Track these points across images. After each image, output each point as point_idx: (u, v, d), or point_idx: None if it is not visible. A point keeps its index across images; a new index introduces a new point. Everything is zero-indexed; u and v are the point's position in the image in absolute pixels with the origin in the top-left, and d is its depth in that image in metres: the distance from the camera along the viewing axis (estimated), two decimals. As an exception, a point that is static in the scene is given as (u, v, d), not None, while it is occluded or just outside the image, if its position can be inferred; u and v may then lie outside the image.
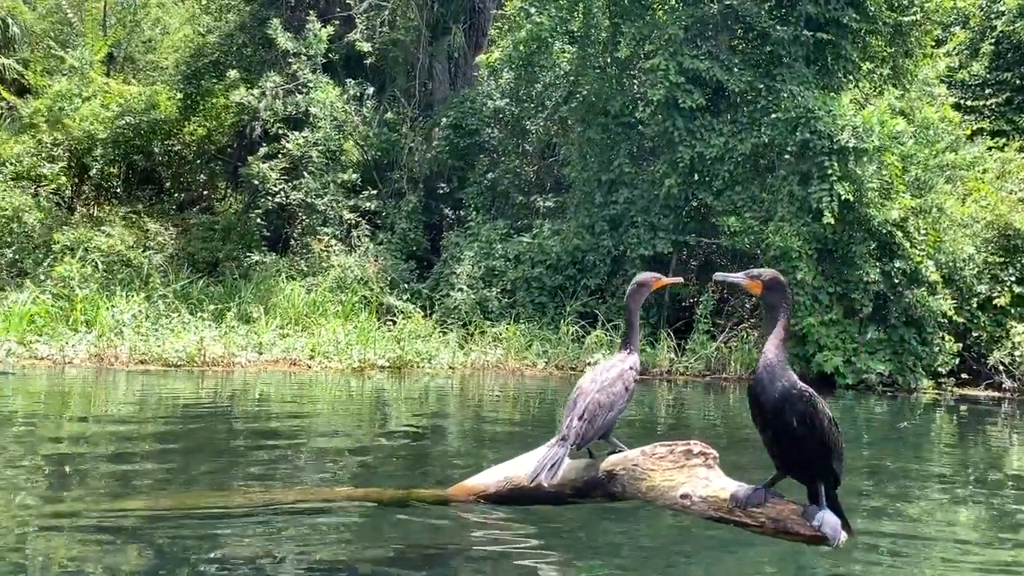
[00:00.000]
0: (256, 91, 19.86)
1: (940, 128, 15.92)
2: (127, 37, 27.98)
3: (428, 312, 17.20)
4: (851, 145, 14.67)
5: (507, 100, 20.41)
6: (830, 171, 14.66)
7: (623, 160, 17.20)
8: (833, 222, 14.48)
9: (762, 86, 16.04)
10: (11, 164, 19.97)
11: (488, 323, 16.24)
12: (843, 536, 3.18)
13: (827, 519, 3.12)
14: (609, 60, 17.57)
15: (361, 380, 12.03)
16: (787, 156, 15.59)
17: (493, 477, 4.30)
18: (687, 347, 15.73)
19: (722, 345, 15.57)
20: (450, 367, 13.62)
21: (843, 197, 14.42)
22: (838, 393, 14.43)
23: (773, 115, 15.58)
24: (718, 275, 4.06)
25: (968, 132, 18.55)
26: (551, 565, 4.15)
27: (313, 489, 4.80)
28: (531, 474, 3.92)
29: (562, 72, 18.91)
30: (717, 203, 16.15)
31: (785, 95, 15.54)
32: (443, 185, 21.09)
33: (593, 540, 4.57)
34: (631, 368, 4.25)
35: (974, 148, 17.95)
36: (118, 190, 22.28)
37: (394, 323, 15.11)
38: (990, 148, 18.86)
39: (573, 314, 16.47)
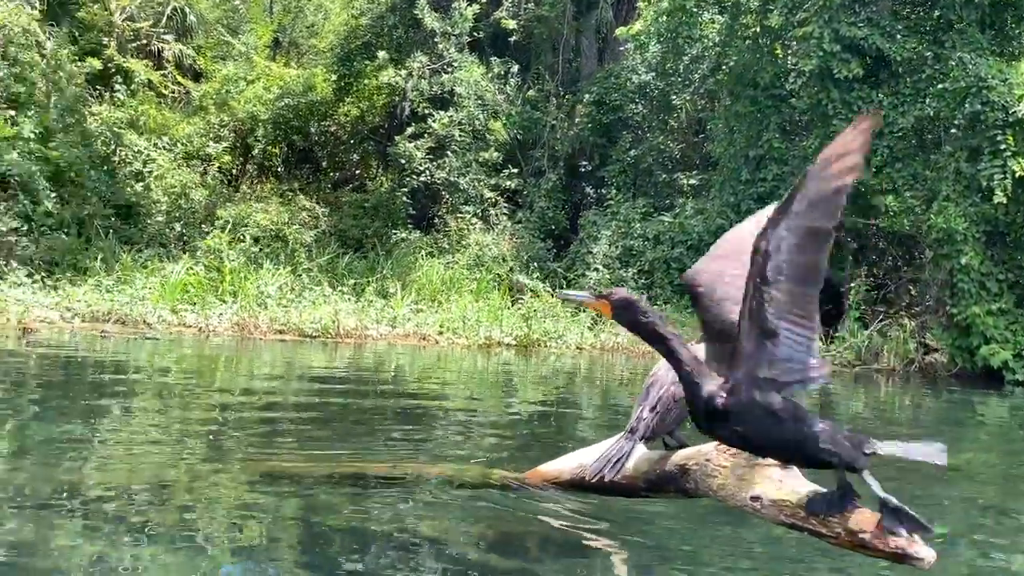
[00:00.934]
0: (403, 71, 20.28)
1: None
2: (291, 23, 29.41)
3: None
4: (1030, 117, 13.23)
5: (653, 74, 19.85)
6: (1003, 146, 13.31)
7: (773, 135, 16.34)
8: (1006, 201, 13.15)
9: (929, 54, 14.75)
10: (183, 144, 21.39)
11: None
12: (929, 555, 2.76)
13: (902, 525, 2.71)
14: (759, 29, 16.68)
15: (487, 357, 12.08)
16: (954, 130, 14.28)
17: (568, 464, 4.12)
18: (835, 335, 14.79)
19: (875, 333, 14.52)
20: (577, 347, 13.44)
21: (1018, 174, 13.04)
22: (1006, 390, 13.16)
23: (940, 85, 14.28)
24: (559, 293, 3.53)
25: None
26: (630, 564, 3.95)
27: (395, 463, 4.78)
28: (594, 469, 3.71)
29: (710, 44, 18.15)
30: (875, 181, 15.04)
31: (954, 63, 14.19)
32: (585, 163, 20.82)
33: (670, 539, 4.29)
34: None
35: None
36: (279, 169, 23.41)
37: (529, 303, 15.06)
38: None
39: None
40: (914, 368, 14.30)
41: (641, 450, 3.74)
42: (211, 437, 5.51)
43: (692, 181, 18.69)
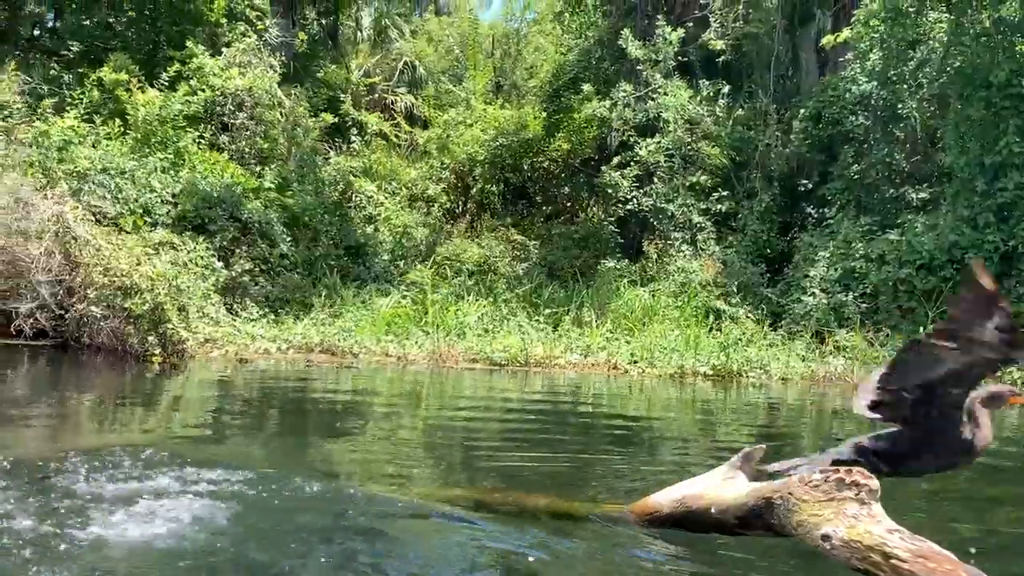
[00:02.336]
0: (607, 102, 20.42)
1: None
2: (512, 65, 30.74)
3: (778, 319, 16.19)
4: None
5: (875, 83, 18.46)
6: None
7: (1012, 139, 14.57)
8: None
9: None
10: (407, 187, 22.93)
11: (846, 332, 14.79)
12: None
13: None
14: (991, 24, 15.03)
15: (679, 387, 11.69)
16: None
17: (669, 496, 3.88)
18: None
19: None
20: (782, 379, 12.62)
21: None
22: None
23: None
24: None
25: None
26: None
27: (508, 492, 4.75)
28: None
29: (937, 45, 16.60)
30: None
31: None
32: (804, 182, 19.70)
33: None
34: None
35: None
36: (496, 205, 24.35)
37: (727, 330, 14.41)
38: None
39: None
40: None
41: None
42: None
43: (922, 195, 17.08)
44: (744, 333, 14.41)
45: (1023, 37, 14.82)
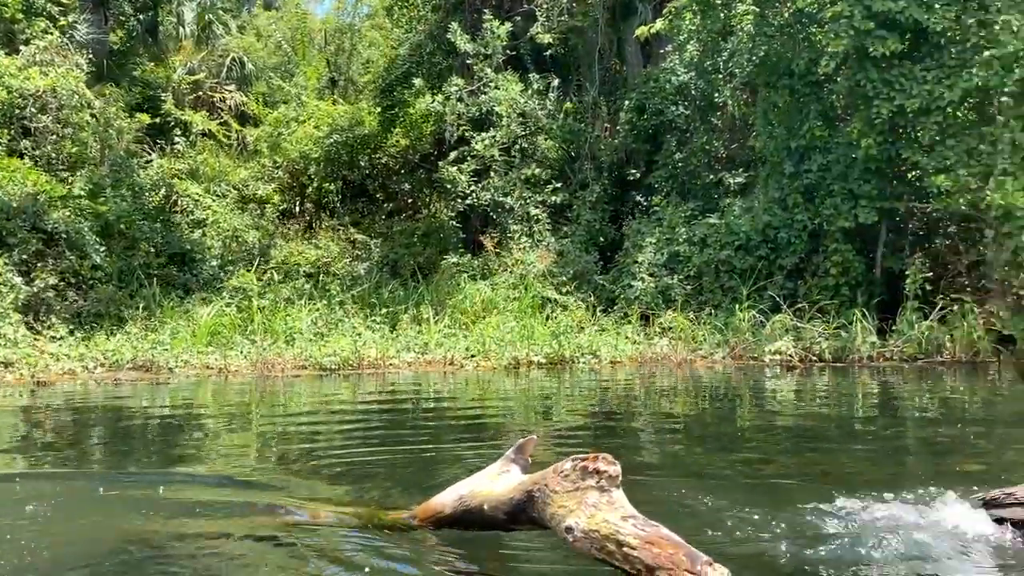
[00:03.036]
0: (440, 96, 20.34)
1: None
2: (347, 61, 30.13)
3: (611, 304, 16.66)
4: (1087, 76, 12.16)
5: (692, 74, 19.28)
6: (1060, 110, 12.25)
7: (814, 123, 15.56)
8: (1066, 171, 12.09)
9: (972, 21, 13.76)
10: (237, 189, 22.02)
11: (671, 313, 15.36)
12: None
13: None
14: (789, 14, 15.98)
15: (514, 377, 11.79)
16: (1006, 99, 13.24)
17: (450, 496, 3.82)
18: (893, 328, 13.87)
19: (934, 324, 13.53)
20: (611, 362, 12.98)
21: (1077, 139, 11.98)
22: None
23: (986, 53, 13.30)
24: None
25: None
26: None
27: (297, 504, 4.57)
28: None
29: (745, 36, 17.48)
30: (927, 161, 14.10)
31: (999, 27, 13.20)
32: (632, 171, 20.34)
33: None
34: None
35: None
36: (335, 204, 23.79)
37: (558, 318, 14.66)
38: None
39: (765, 297, 15.16)
40: (980, 358, 13.23)
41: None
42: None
43: (739, 179, 18.00)
44: (576, 320, 14.72)
45: (820, 27, 15.82)
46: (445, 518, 3.82)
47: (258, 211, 21.89)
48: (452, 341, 13.30)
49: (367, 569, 3.50)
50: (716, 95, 18.97)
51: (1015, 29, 12.96)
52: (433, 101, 20.32)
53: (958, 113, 14.17)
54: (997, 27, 13.26)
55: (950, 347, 13.36)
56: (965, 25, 13.86)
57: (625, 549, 2.60)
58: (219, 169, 22.50)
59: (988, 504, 3.80)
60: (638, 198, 20.07)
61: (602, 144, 20.57)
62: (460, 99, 20.30)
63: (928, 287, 14.25)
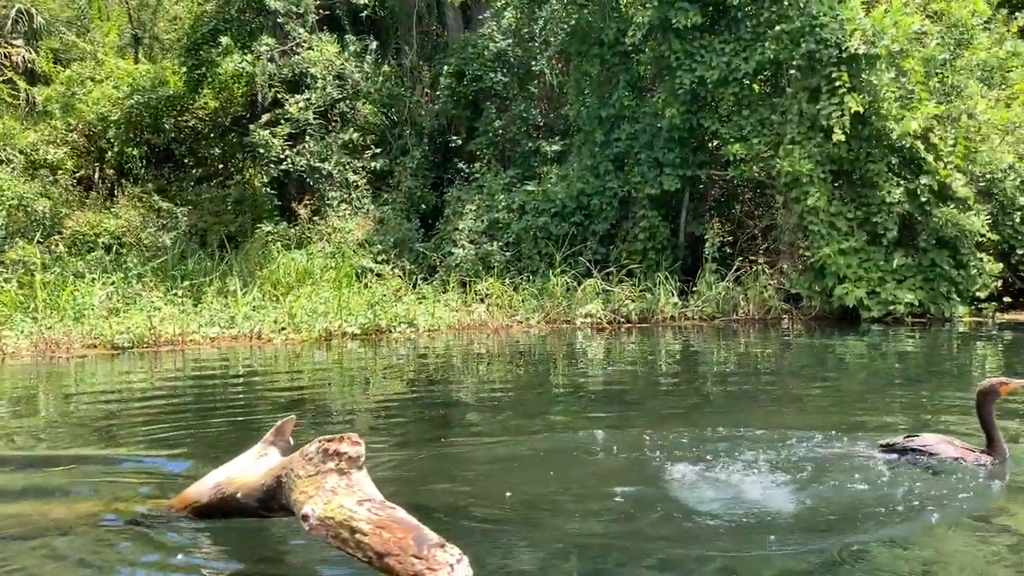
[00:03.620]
0: (250, 56, 19.36)
1: (970, 24, 14.09)
2: (152, 17, 28.04)
3: (433, 272, 16.56)
4: (861, 52, 13.13)
5: (509, 40, 19.33)
6: (839, 83, 13.19)
7: (623, 93, 16.00)
8: (844, 139, 13.05)
9: (765, -4, 14.52)
10: (25, 154, 20.12)
11: (491, 279, 15.44)
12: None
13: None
14: (599, -16, 16.29)
15: (326, 350, 11.48)
16: (794, 71, 14.12)
17: (207, 484, 3.59)
18: (693, 289, 14.61)
19: (730, 284, 14.36)
20: (429, 330, 12.92)
21: (853, 110, 12.94)
22: (863, 328, 13.13)
23: (777, 27, 14.09)
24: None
25: (1013, 29, 16.51)
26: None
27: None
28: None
29: (559, 4, 17.66)
30: (725, 130, 14.85)
31: (788, 3, 14.02)
32: (454, 138, 20.22)
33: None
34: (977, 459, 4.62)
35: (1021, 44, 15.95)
36: (139, 171, 22.23)
37: (374, 287, 14.39)
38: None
39: (580, 263, 15.54)
40: (772, 315, 14.20)
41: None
42: None
43: (555, 147, 18.27)
44: (393, 289, 14.52)
45: (626, -1, 16.22)
46: (203, 507, 3.58)
47: (50, 178, 20.11)
48: (261, 314, 12.75)
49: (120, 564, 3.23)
50: (533, 63, 19.13)
51: (802, 5, 13.78)
52: (242, 61, 19.29)
53: (754, 85, 14.96)
54: (786, 2, 14.05)
55: (744, 306, 14.23)
56: (759, 0, 14.60)
57: (358, 536, 2.48)
58: (3, 132, 20.46)
59: (886, 448, 4.83)
60: (460, 165, 19.97)
61: (423, 110, 20.31)
62: (272, 59, 19.41)
63: (729, 251, 15.09)
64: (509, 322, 13.64)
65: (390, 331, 12.73)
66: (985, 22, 15.29)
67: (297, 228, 18.37)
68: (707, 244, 14.84)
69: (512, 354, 11.06)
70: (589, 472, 4.60)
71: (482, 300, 14.30)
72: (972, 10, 14.19)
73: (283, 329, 12.34)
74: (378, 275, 15.09)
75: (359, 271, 15.21)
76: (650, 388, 8.15)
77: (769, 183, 14.82)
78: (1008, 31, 16.49)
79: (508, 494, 4.05)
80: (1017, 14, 17.41)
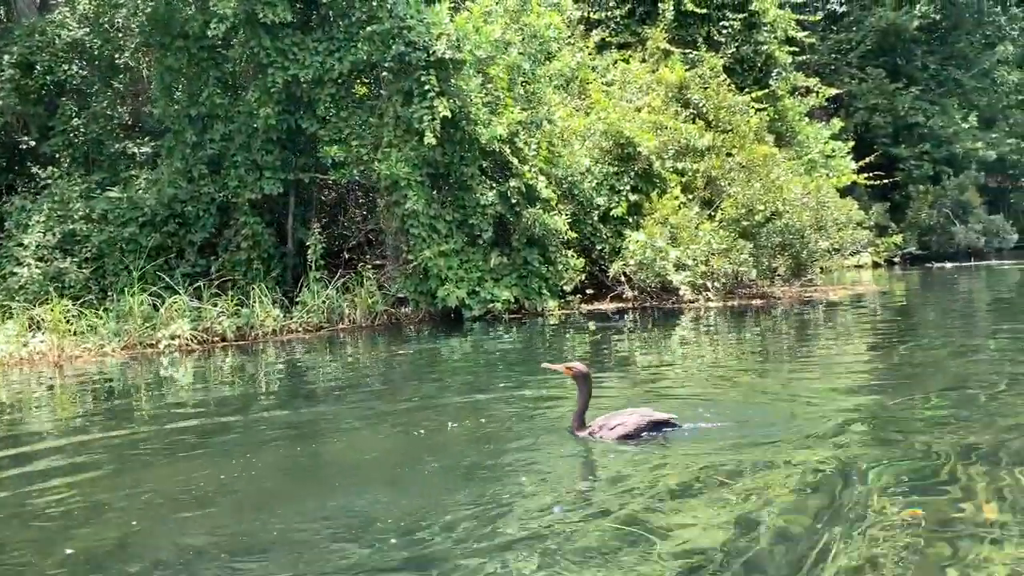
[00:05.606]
0: None
1: (547, 37, 15.00)
2: None
3: (-9, 296, 13.94)
4: (447, 56, 13.30)
5: (87, 29, 17.03)
6: (428, 87, 13.25)
7: (214, 90, 14.75)
8: (434, 142, 13.13)
9: (355, -5, 14.19)
10: None
11: (51, 304, 13.16)
12: None
13: None
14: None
15: None
16: (386, 73, 13.97)
17: None
18: (297, 299, 13.88)
19: (334, 292, 13.86)
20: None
21: (442, 114, 13.06)
22: (466, 327, 13.32)
23: (369, 28, 13.82)
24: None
25: (590, 44, 18.08)
26: None
27: None
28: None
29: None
30: (324, 132, 14.29)
31: (376, 3, 13.81)
32: (26, 138, 17.39)
33: None
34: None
35: (598, 59, 17.48)
36: None
37: None
38: (616, 61, 18.58)
39: (176, 277, 14.00)
40: (379, 321, 13.95)
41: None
42: None
43: (145, 149, 16.45)
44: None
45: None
46: None
47: None
48: None
49: None
50: (118, 56, 17.07)
51: (390, 6, 13.64)
52: None
53: (358, 86, 14.58)
54: (375, 3, 13.82)
55: (351, 313, 13.80)
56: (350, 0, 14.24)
57: None
58: None
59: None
60: (35, 170, 17.26)
61: (-21, 104, 17.18)
62: None
63: (347, 256, 14.57)
64: (79, 351, 11.77)
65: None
66: (568, 37, 16.46)
67: None
68: (309, 251, 14.18)
69: (63, 392, 9.42)
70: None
71: (41, 327, 12.20)
72: (548, 23, 15.09)
73: None
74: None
75: None
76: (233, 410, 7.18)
77: (373, 187, 14.55)
78: (586, 46, 17.98)
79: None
80: (594, 31, 19.12)
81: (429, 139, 13.03)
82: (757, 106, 17.53)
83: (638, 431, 5.17)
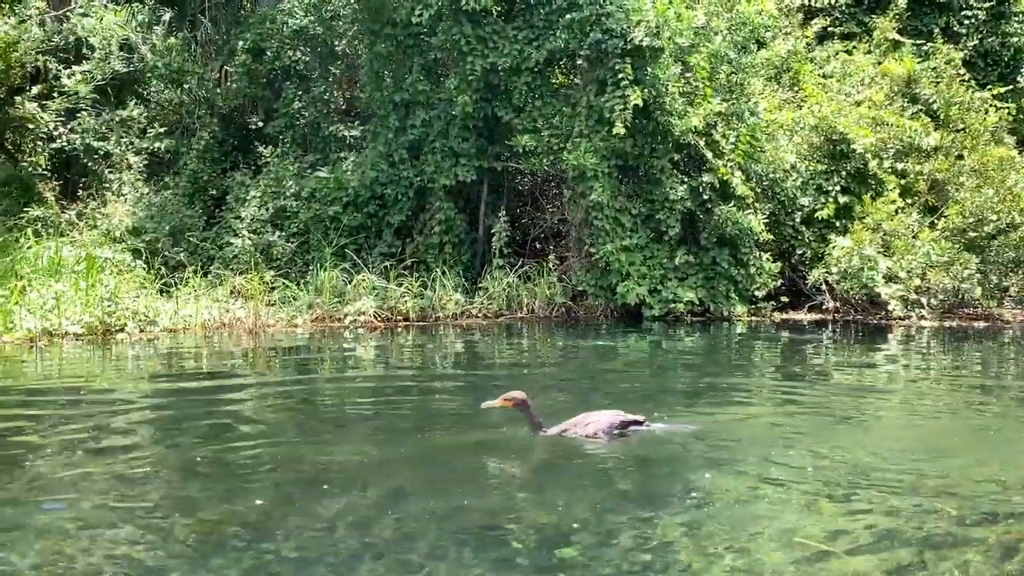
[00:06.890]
0: (14, 19, 17.34)
1: (757, 24, 14.05)
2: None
3: (210, 263, 15.20)
4: (645, 43, 12.80)
5: (310, 18, 18.09)
6: (621, 76, 12.82)
7: (417, 77, 15.14)
8: (624, 133, 12.70)
9: (559, -18, 14.00)
10: None
11: (254, 274, 14.09)
12: None
13: None
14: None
15: (38, 353, 10.07)
16: (582, 62, 13.67)
17: None
18: (479, 285, 13.97)
19: (514, 280, 13.79)
20: (170, 329, 11.65)
21: (633, 102, 12.59)
22: (644, 326, 12.85)
23: (568, 16, 13.60)
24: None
25: (810, 33, 16.80)
26: None
27: None
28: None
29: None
30: (518, 121, 14.28)
31: (580, -10, 13.56)
32: (252, 119, 18.81)
33: None
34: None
35: (818, 49, 16.24)
36: None
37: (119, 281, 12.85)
38: (837, 52, 17.17)
39: (374, 256, 14.59)
40: (556, 312, 13.75)
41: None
42: None
43: (354, 133, 17.23)
44: (141, 281, 13.09)
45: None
46: None
47: None
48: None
49: None
50: (336, 43, 18.01)
51: (591, -7, 13.33)
52: (3, 24, 17.25)
53: (558, 75, 14.44)
54: (578, -11, 13.56)
55: (529, 303, 13.70)
56: (553, -14, 14.06)
57: None
58: None
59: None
60: (261, 149, 18.65)
61: (219, 88, 18.80)
62: (41, 24, 17.47)
63: (538, 246, 14.55)
64: (274, 320, 12.51)
65: (120, 330, 11.35)
66: (784, 26, 15.39)
67: (67, 213, 16.60)
68: (494, 238, 14.22)
69: (245, 358, 10.01)
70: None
71: (242, 295, 13.09)
72: (759, 9, 14.15)
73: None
74: (126, 268, 13.57)
75: (115, 260, 13.68)
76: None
77: (563, 178, 14.37)
78: (804, 35, 16.73)
79: None
80: (815, 20, 17.77)
81: (619, 129, 12.62)
82: (997, 104, 15.52)
83: (610, 429, 5.50)
